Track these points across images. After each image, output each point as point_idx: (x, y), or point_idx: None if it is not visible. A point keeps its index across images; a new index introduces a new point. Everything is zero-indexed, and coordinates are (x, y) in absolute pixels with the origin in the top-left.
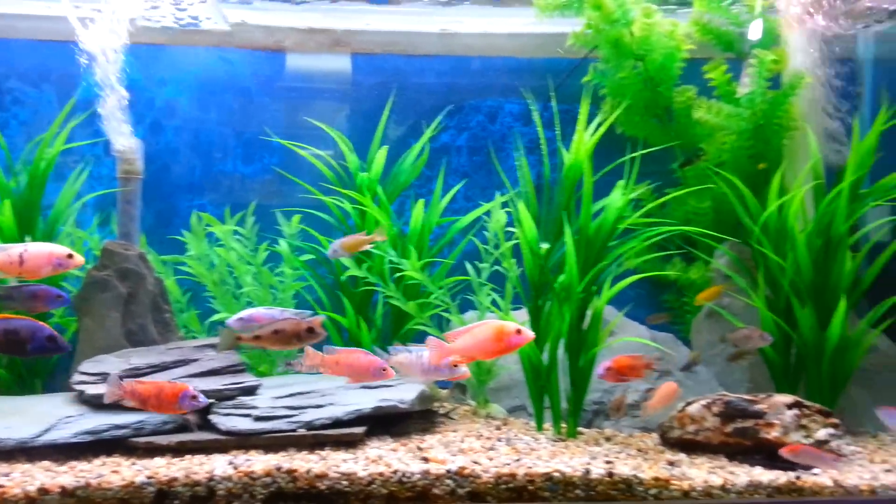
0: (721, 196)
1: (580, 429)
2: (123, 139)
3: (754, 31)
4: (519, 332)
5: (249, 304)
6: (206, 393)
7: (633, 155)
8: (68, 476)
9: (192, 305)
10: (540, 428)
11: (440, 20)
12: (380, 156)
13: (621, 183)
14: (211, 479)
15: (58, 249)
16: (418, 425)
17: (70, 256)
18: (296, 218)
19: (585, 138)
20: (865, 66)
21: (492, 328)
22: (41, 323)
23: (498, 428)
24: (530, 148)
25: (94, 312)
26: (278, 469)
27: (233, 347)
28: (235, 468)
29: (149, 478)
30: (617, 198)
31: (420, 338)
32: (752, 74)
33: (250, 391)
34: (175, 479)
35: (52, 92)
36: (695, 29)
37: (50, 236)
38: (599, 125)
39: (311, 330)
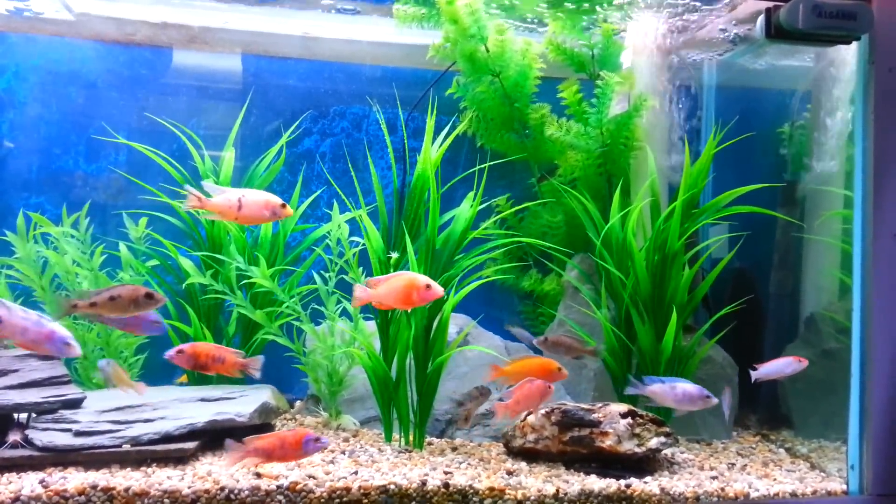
0: (573, 211)
1: (431, 439)
2: None
3: (625, 59)
4: (428, 287)
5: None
6: (23, 406)
7: (482, 166)
8: None
9: None
10: (389, 439)
11: (303, 23)
12: (228, 159)
13: (470, 195)
14: (17, 499)
15: (273, 198)
16: None
17: (283, 206)
18: (143, 221)
19: (434, 149)
20: (707, 91)
21: (404, 280)
22: None
23: (346, 440)
24: (396, 157)
25: None
26: (94, 487)
27: (68, 314)
28: (46, 487)
29: None
30: (466, 209)
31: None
32: (601, 95)
33: (73, 404)
34: None
35: None
36: (549, 49)
37: None
38: (447, 136)
39: (149, 296)
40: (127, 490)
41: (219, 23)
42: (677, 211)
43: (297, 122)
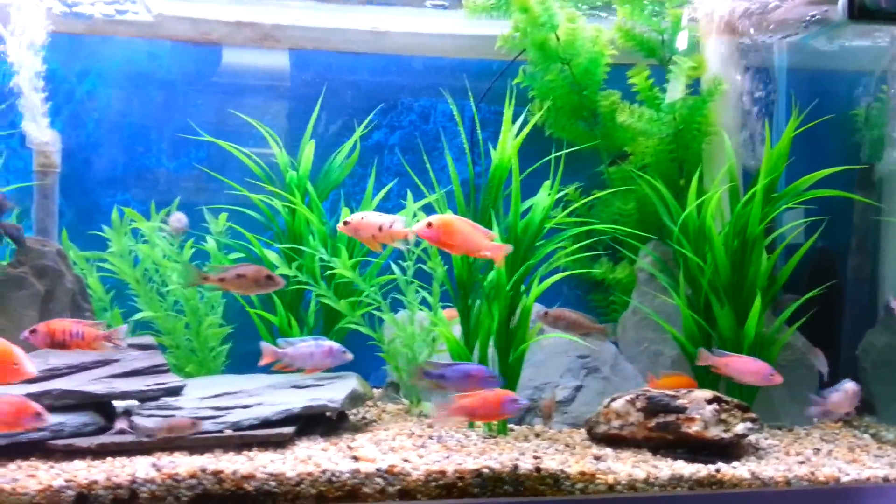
0: (645, 198)
1: (511, 426)
2: (40, 131)
3: (681, 42)
4: None
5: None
6: (129, 394)
7: (558, 154)
8: None
9: (116, 304)
10: (471, 425)
11: (371, 18)
12: (307, 152)
13: (547, 184)
14: (133, 481)
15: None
16: (350, 424)
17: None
18: (223, 216)
19: (511, 138)
20: (780, 74)
21: None
22: None
23: (430, 426)
24: (463, 148)
25: (9, 311)
26: (203, 471)
27: (196, 285)
28: (159, 470)
29: (67, 481)
30: (543, 198)
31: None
32: (674, 80)
33: (175, 392)
34: (95, 483)
35: None
36: (618, 35)
37: None
38: (523, 126)
39: (269, 277)
40: (235, 473)
41: (290, 20)
42: (758, 195)
43: (370, 116)
